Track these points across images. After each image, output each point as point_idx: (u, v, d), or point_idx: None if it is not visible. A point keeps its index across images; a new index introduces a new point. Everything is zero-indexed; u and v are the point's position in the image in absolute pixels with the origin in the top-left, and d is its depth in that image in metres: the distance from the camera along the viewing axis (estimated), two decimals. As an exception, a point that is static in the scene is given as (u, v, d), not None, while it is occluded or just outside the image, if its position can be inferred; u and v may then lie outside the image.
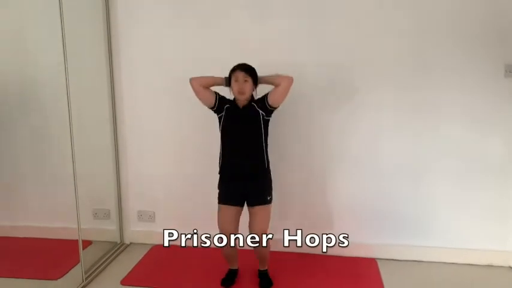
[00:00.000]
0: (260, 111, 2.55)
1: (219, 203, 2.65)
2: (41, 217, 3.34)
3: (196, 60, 3.00)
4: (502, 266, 2.98)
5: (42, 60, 3.17)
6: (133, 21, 3.11)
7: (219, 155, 2.65)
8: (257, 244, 2.61)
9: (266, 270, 2.81)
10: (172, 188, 3.28)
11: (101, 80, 3.16)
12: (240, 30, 2.99)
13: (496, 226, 2.97)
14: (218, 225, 2.63)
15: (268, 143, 2.61)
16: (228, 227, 2.60)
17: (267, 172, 2.65)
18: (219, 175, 2.67)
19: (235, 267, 2.84)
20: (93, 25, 3.08)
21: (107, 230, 3.34)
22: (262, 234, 2.59)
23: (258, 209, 2.59)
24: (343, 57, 2.93)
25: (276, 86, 2.53)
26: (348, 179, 3.07)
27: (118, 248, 3.29)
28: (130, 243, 3.40)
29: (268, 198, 2.63)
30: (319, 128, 3.04)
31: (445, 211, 3.00)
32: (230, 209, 2.61)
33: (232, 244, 2.62)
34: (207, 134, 2.93)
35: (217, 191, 2.67)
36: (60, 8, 2.55)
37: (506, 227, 2.96)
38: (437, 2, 2.80)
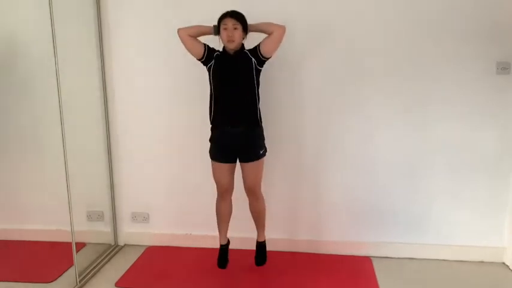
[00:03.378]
0: (252, 58, 2.52)
1: (211, 158, 2.67)
2: (34, 219, 3.33)
3: (191, 59, 2.98)
4: (495, 262, 3.00)
5: (33, 60, 3.15)
6: (125, 19, 3.09)
7: (209, 107, 2.62)
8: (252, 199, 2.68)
9: (264, 242, 2.85)
10: (166, 189, 3.27)
11: (93, 80, 3.13)
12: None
13: (489, 222, 2.99)
14: (213, 177, 2.69)
15: (260, 94, 2.59)
16: (222, 181, 2.66)
17: (258, 122, 2.62)
18: (210, 128, 2.65)
19: (225, 242, 2.84)
20: (84, 24, 3.05)
21: (100, 231, 3.32)
22: (256, 187, 2.65)
23: (251, 164, 2.61)
24: (337, 56, 2.94)
25: (269, 34, 2.50)
26: (341, 177, 3.07)
27: (112, 249, 3.27)
28: (125, 244, 3.39)
29: (261, 152, 2.63)
30: (312, 125, 3.04)
31: (439, 208, 3.01)
32: (222, 166, 2.63)
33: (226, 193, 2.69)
34: (200, 134, 2.92)
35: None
36: (50, 7, 2.52)
37: (500, 223, 2.98)
38: (430, 0, 2.80)
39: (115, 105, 3.20)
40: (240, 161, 2.66)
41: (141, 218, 3.33)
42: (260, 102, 2.62)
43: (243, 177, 2.67)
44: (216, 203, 2.79)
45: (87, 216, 3.28)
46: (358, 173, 3.05)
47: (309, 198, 3.13)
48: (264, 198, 2.79)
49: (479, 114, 2.88)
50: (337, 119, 3.01)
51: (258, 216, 2.79)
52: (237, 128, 2.57)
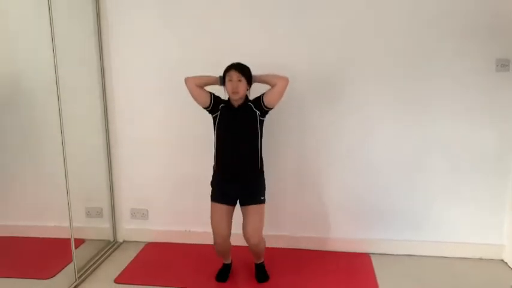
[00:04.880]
0: (257, 112, 2.54)
1: (211, 200, 2.65)
2: (33, 216, 3.32)
3: (189, 59, 2.99)
4: (494, 260, 3.00)
5: (32, 58, 3.14)
6: (124, 18, 3.07)
7: (213, 154, 2.64)
8: (252, 244, 2.61)
9: (262, 262, 2.82)
10: (165, 186, 3.26)
11: (92, 77, 3.12)
12: (232, 26, 2.97)
13: (488, 220, 2.99)
14: (211, 223, 2.63)
15: (262, 143, 2.61)
16: (220, 226, 2.60)
17: (260, 173, 2.65)
18: (212, 173, 2.67)
19: (228, 262, 2.84)
20: (84, 22, 3.04)
21: (99, 228, 3.32)
22: (256, 234, 2.58)
23: (251, 208, 2.59)
24: (334, 55, 2.93)
25: (272, 86, 2.53)
26: (341, 175, 3.07)
27: (111, 246, 3.28)
28: (124, 241, 3.39)
29: (262, 199, 2.63)
30: (313, 125, 3.04)
31: (438, 205, 3.02)
32: (222, 208, 2.61)
33: (224, 242, 2.63)
34: (199, 131, 2.92)
35: (210, 188, 2.67)
36: (49, 5, 2.51)
37: (499, 220, 2.98)
38: (429, -2, 2.81)
39: (114, 103, 3.20)
40: (240, 205, 2.63)
41: (140, 214, 3.33)
42: (263, 150, 2.61)
43: (244, 224, 2.61)
44: (215, 248, 2.70)
45: (86, 212, 3.28)
46: (358, 171, 3.05)
47: (309, 196, 3.13)
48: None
49: (479, 111, 2.88)
50: (337, 119, 3.01)
51: (257, 254, 2.76)
52: (237, 179, 2.58)
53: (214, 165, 2.66)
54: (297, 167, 3.11)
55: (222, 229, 2.60)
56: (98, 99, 3.17)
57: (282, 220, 3.15)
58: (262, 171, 2.66)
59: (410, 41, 2.86)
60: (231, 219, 2.65)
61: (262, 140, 2.61)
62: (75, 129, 2.85)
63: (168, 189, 3.27)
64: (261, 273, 2.79)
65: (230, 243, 2.71)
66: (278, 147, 3.02)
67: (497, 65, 2.80)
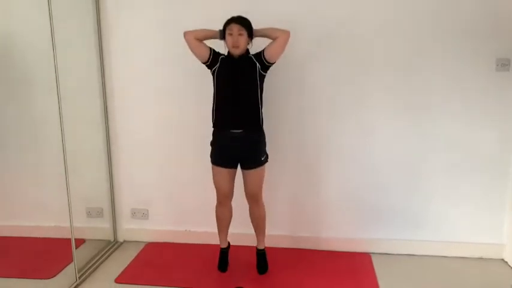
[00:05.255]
0: (257, 63, 2.52)
1: (211, 162, 2.66)
2: (33, 216, 3.32)
3: (189, 58, 2.97)
4: (494, 259, 3.00)
5: (32, 59, 3.14)
6: (124, 17, 3.07)
7: (212, 110, 2.61)
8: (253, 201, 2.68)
9: (264, 250, 2.84)
10: (165, 186, 3.26)
11: (92, 77, 3.12)
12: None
13: (488, 219, 2.99)
14: (213, 182, 2.68)
15: (263, 100, 2.58)
16: (222, 185, 2.65)
17: (260, 127, 2.62)
18: (212, 131, 2.65)
19: (225, 246, 2.86)
20: (84, 21, 3.04)
21: (100, 228, 3.32)
22: (257, 193, 2.66)
23: (253, 172, 2.61)
24: (334, 55, 2.93)
25: (273, 39, 2.50)
26: (342, 174, 3.07)
27: (112, 246, 3.28)
28: (124, 241, 3.39)
29: (262, 159, 2.63)
30: (312, 125, 3.04)
31: (438, 205, 3.01)
32: (222, 171, 2.62)
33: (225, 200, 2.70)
34: (199, 131, 2.92)
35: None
36: (49, 5, 2.51)
37: (499, 220, 2.98)
38: (429, -3, 2.81)
39: (114, 102, 3.20)
40: (241, 168, 2.65)
41: (141, 214, 3.33)
42: (263, 107, 2.61)
43: (245, 183, 2.67)
44: (216, 209, 2.78)
45: (87, 212, 3.28)
46: (358, 170, 3.05)
47: (309, 195, 3.13)
48: (265, 198, 2.77)
49: (479, 111, 2.88)
50: (336, 118, 3.01)
51: (258, 223, 2.79)
52: (238, 131, 2.55)
53: (213, 121, 2.62)
54: (296, 166, 3.11)
55: (223, 188, 2.66)
56: (98, 99, 3.17)
57: (282, 220, 3.15)
58: (263, 128, 2.64)
59: (410, 41, 2.85)
60: (233, 180, 2.69)
61: (263, 97, 2.58)
62: (75, 129, 2.85)
63: (168, 189, 3.27)
64: (262, 263, 2.81)
65: (231, 209, 2.77)
66: (278, 147, 3.01)
67: (498, 65, 2.80)
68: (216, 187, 2.70)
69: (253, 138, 2.60)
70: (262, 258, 2.84)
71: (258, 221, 2.77)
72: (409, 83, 2.90)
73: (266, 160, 2.66)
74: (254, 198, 2.69)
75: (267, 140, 2.70)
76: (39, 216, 3.30)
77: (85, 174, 3.09)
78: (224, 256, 2.86)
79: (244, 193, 2.72)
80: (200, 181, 3.08)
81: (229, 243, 2.89)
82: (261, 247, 2.84)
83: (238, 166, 2.67)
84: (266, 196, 2.79)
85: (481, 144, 2.91)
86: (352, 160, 3.04)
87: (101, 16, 3.08)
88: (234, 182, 2.70)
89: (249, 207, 2.75)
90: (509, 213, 2.94)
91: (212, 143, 2.66)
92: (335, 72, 2.95)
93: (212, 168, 2.67)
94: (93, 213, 3.30)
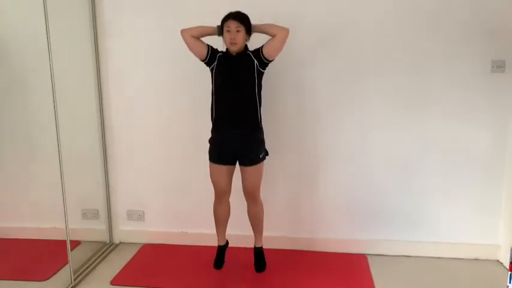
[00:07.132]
0: (255, 60, 2.51)
1: (209, 160, 2.65)
2: (29, 218, 3.31)
3: (185, 58, 2.97)
4: (489, 260, 3.01)
5: (27, 58, 3.13)
6: (120, 16, 3.07)
7: (210, 108, 2.61)
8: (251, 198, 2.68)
9: (261, 247, 2.84)
10: (162, 187, 3.25)
11: (88, 78, 3.11)
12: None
13: (484, 220, 3.00)
14: (210, 179, 2.67)
15: (262, 98, 2.58)
16: (220, 182, 2.65)
17: (259, 125, 2.62)
18: (211, 129, 2.64)
19: (223, 243, 2.85)
20: (79, 20, 3.03)
21: (96, 229, 3.31)
22: (255, 191, 2.66)
23: (251, 168, 2.60)
24: (334, 55, 2.94)
25: (272, 36, 2.49)
26: (338, 175, 3.07)
27: (107, 247, 3.26)
28: (120, 242, 3.38)
29: (261, 156, 2.63)
30: (310, 126, 3.04)
31: (434, 206, 3.02)
32: (220, 168, 2.61)
33: (223, 195, 2.69)
34: (196, 133, 2.92)
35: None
36: (45, 4, 2.50)
37: (494, 221, 2.99)
38: (425, 0, 2.81)
39: (110, 103, 3.19)
40: (240, 165, 2.65)
41: (137, 216, 3.32)
42: (262, 106, 2.61)
43: (243, 181, 2.67)
44: (214, 205, 2.78)
45: (82, 214, 3.27)
46: (354, 172, 3.05)
47: (306, 196, 3.13)
48: (263, 200, 2.78)
49: (474, 112, 2.89)
50: (334, 119, 3.01)
51: (256, 222, 2.79)
52: (236, 130, 2.56)
53: (212, 119, 2.62)
54: (293, 167, 3.11)
55: (221, 184, 2.66)
56: (94, 100, 3.16)
57: (279, 221, 3.14)
58: (261, 125, 2.63)
59: (408, 43, 2.87)
60: (231, 177, 2.68)
61: (262, 94, 2.58)
62: (71, 130, 2.84)
63: (164, 190, 3.26)
64: (260, 261, 2.81)
65: (229, 206, 2.77)
66: (275, 148, 3.01)
67: (493, 66, 2.82)
68: (213, 184, 2.69)
69: (252, 135, 2.60)
70: (260, 256, 2.84)
71: (256, 219, 2.77)
72: (407, 84, 2.91)
73: (264, 157, 2.66)
74: (252, 196, 2.69)
75: (266, 134, 2.69)
76: (35, 217, 3.29)
77: (81, 175, 3.07)
78: (221, 253, 2.85)
79: (241, 193, 2.72)
80: (196, 183, 3.08)
81: (227, 241, 2.88)
82: (258, 245, 2.85)
83: (237, 165, 2.67)
84: (263, 197, 2.79)
85: (476, 146, 2.92)
86: (348, 161, 3.05)
87: (97, 16, 3.07)
88: (232, 179, 2.70)
89: (247, 206, 2.75)
90: (505, 215, 2.95)
91: (210, 141, 2.66)
92: (334, 73, 2.96)
93: (210, 165, 2.66)
94: (89, 214, 3.29)
